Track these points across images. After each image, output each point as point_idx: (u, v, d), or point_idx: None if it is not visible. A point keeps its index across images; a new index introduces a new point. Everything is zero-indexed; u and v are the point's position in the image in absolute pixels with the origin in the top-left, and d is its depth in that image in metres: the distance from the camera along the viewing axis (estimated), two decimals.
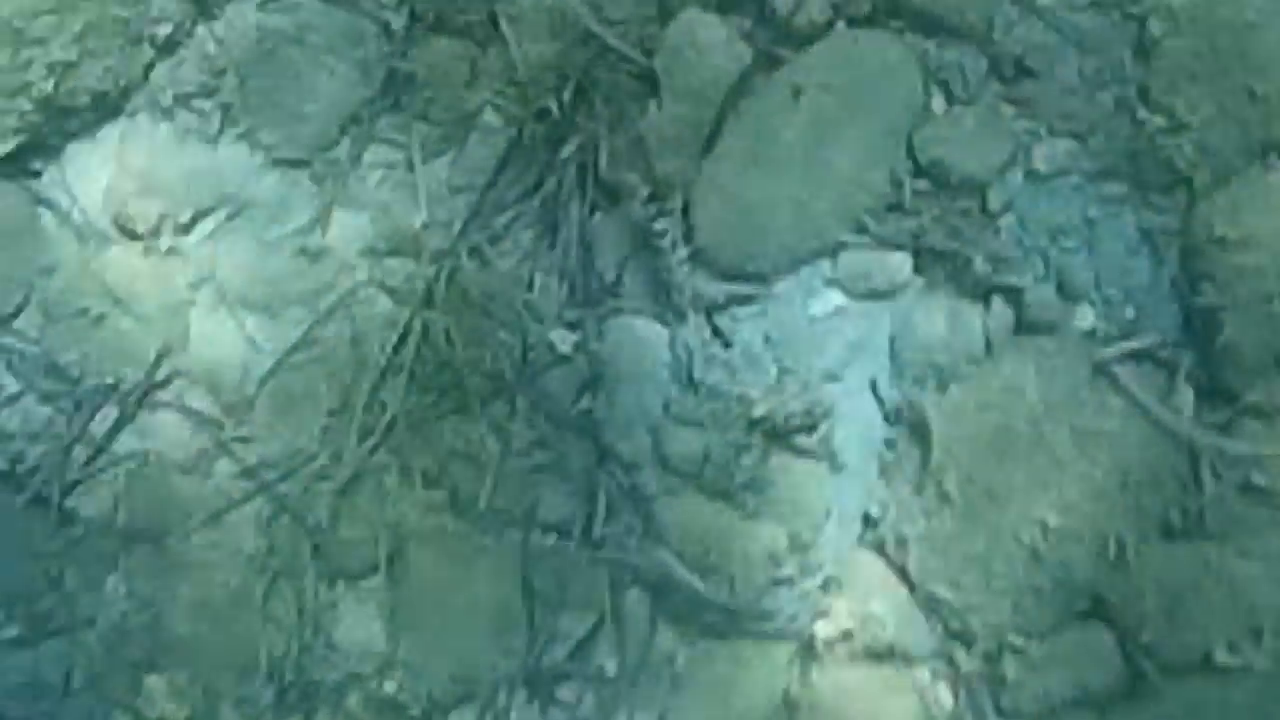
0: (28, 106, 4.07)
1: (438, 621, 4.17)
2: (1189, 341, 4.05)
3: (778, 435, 4.03)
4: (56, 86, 4.09)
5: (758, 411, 4.03)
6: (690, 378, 4.12)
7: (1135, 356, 4.05)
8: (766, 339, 4.13)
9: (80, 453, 4.27)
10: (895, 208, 4.08)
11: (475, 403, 4.18)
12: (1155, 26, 3.99)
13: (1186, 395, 4.02)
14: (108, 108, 4.20)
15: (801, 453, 4.08)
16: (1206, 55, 3.98)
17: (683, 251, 4.10)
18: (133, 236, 4.20)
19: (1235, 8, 3.97)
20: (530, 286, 4.17)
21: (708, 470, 4.11)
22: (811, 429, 4.05)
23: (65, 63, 4.07)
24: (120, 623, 4.26)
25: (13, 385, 4.25)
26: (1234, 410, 3.98)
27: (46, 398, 4.26)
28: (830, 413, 4.08)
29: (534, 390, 4.15)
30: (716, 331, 4.10)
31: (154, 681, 4.23)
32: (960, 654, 4.00)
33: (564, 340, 4.04)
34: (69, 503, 4.28)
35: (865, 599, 4.05)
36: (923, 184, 4.09)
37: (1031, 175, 4.08)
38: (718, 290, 4.11)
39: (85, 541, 4.26)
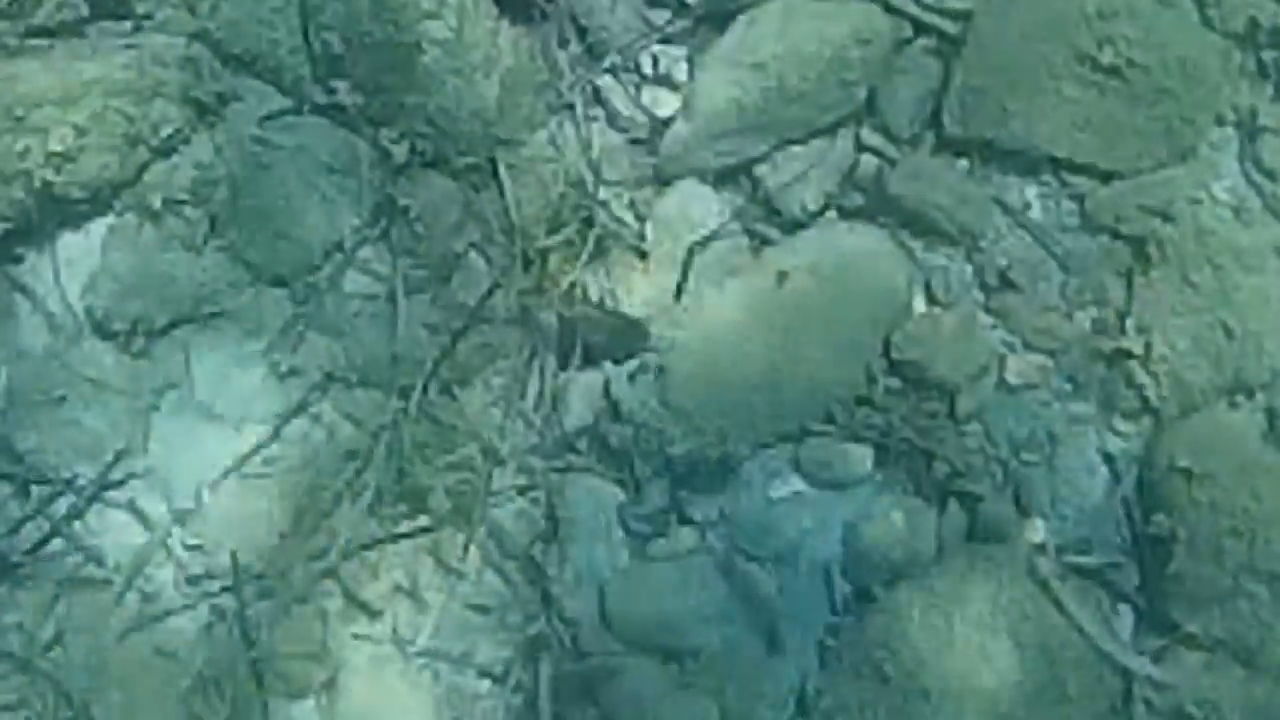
0: (20, 194, 4.07)
1: None
2: (1136, 566, 4.05)
3: None
4: (52, 177, 4.05)
5: None
6: (641, 547, 4.11)
7: (1081, 574, 4.07)
8: (722, 515, 4.11)
9: (27, 537, 4.17)
10: (865, 401, 4.13)
11: (427, 540, 4.13)
12: (1150, 252, 4.00)
13: (1127, 619, 4.05)
14: (98, 203, 4.21)
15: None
16: (1190, 289, 4.02)
17: (650, 416, 4.06)
18: (106, 334, 4.16)
19: (1226, 245, 3.97)
20: (498, 432, 4.12)
21: (651, 636, 4.08)
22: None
23: (63, 154, 4.06)
24: (44, 714, 4.19)
25: None
26: (1173, 639, 4.00)
27: (3, 478, 4.19)
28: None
29: (489, 534, 4.10)
30: (674, 504, 4.09)
31: None
32: None
33: None
34: (7, 585, 4.18)
35: None
36: (895, 381, 4.11)
37: (1002, 386, 4.11)
38: (680, 462, 4.07)
39: (19, 629, 4.18)
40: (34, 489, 4.24)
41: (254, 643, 4.18)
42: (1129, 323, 4.08)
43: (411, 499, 4.15)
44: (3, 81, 4.09)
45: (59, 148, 4.06)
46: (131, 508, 4.27)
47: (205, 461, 4.23)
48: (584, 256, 4.16)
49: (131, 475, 4.25)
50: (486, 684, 4.23)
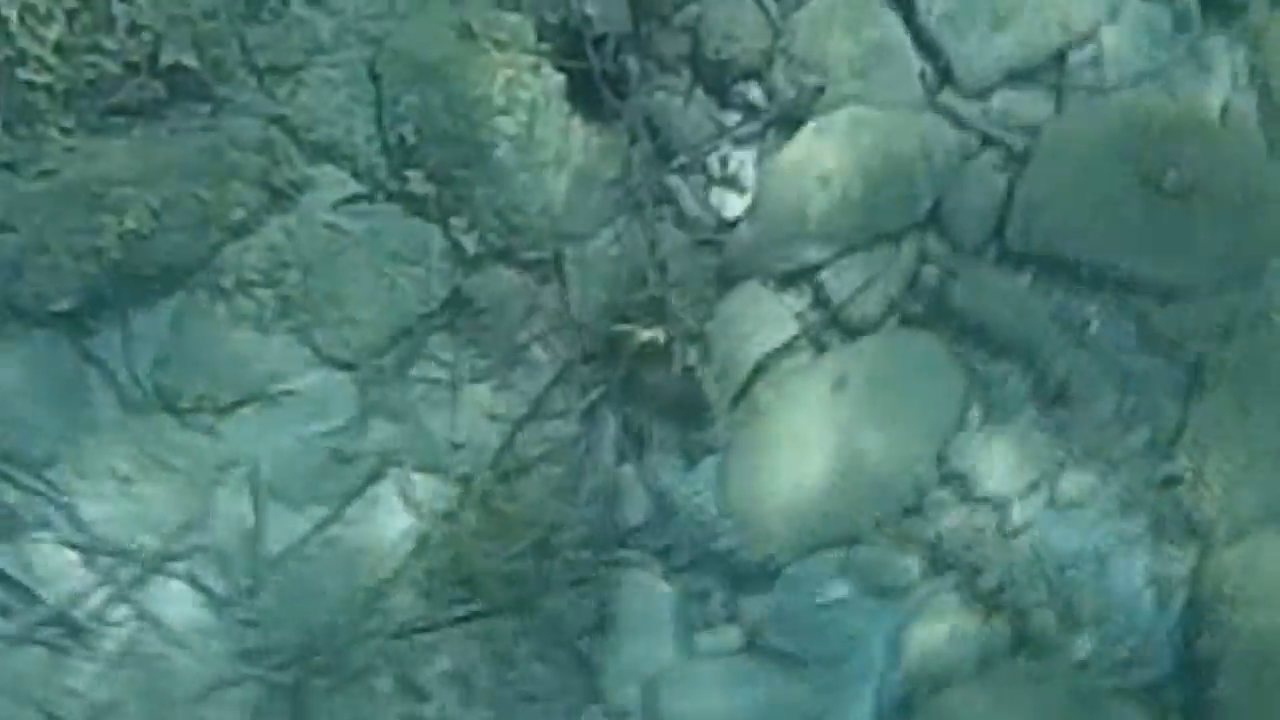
0: (94, 269, 4.14)
1: None
2: (1178, 689, 4.08)
3: None
4: (125, 255, 4.12)
5: None
6: (689, 644, 4.16)
7: (1122, 694, 4.09)
8: (772, 619, 4.16)
9: (91, 605, 4.25)
10: (914, 511, 4.15)
11: (479, 626, 4.19)
12: (1206, 376, 4.02)
13: None
14: (171, 281, 4.25)
15: None
16: (1244, 413, 4.04)
17: (704, 518, 4.12)
18: (173, 410, 4.23)
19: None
20: (554, 523, 4.18)
21: None
22: None
23: (138, 234, 4.12)
24: None
25: (39, 531, 4.25)
26: None
27: (69, 545, 4.28)
28: None
29: (540, 624, 4.17)
30: (725, 606, 4.14)
31: None
32: None
33: None
34: (68, 651, 4.27)
35: None
36: (946, 493, 4.13)
37: (1053, 502, 4.12)
38: (731, 563, 4.13)
39: (75, 695, 4.27)
40: (98, 558, 4.22)
41: (306, 718, 4.18)
42: (1183, 443, 4.03)
43: (466, 585, 4.17)
44: (83, 159, 4.11)
45: (133, 226, 4.10)
46: (192, 580, 4.26)
47: (266, 538, 4.25)
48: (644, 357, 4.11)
49: (194, 549, 4.27)
50: None
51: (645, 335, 4.03)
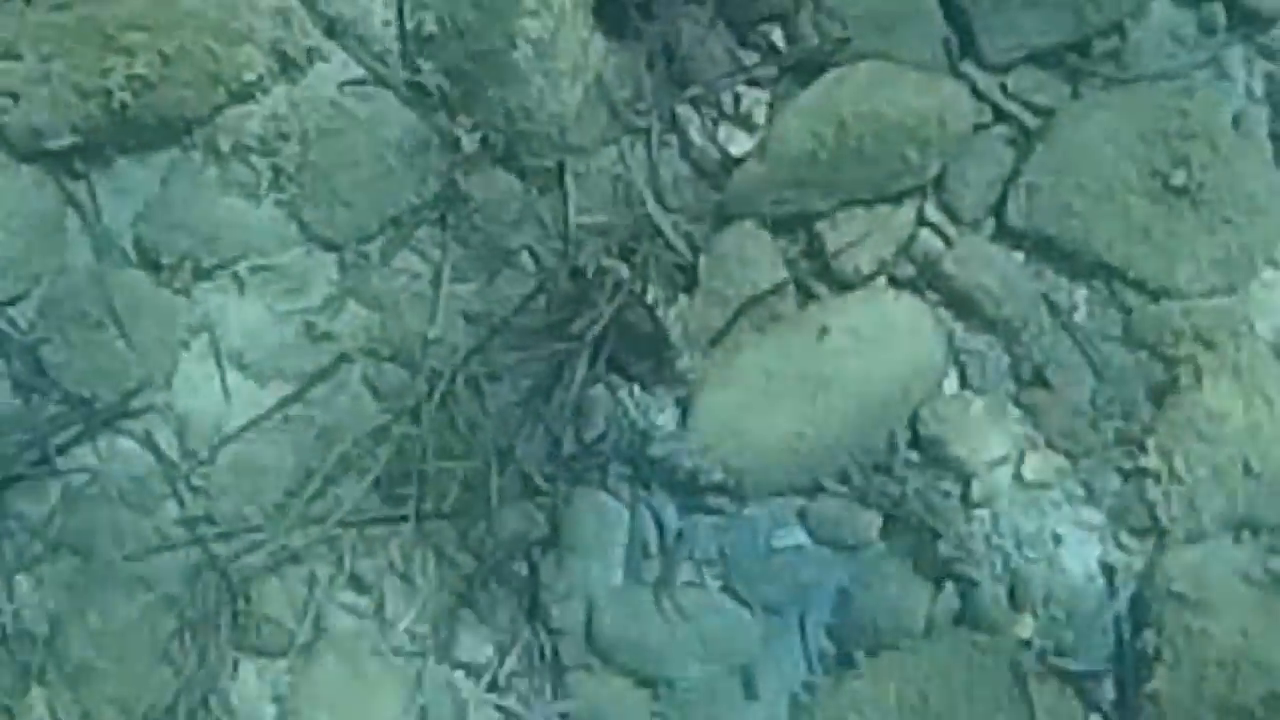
0: (96, 111, 4.12)
1: None
2: (1115, 680, 4.10)
3: None
4: (129, 99, 4.07)
5: None
6: (637, 570, 4.15)
7: (1060, 677, 4.11)
8: (722, 553, 4.15)
9: (34, 451, 4.19)
10: (882, 469, 4.15)
11: (426, 526, 4.16)
12: (1184, 376, 4.05)
13: None
14: (169, 135, 4.21)
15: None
16: (1218, 419, 4.19)
17: (668, 447, 4.10)
18: (151, 266, 4.18)
19: (1261, 383, 4.08)
20: (515, 432, 4.15)
21: (631, 659, 4.12)
22: None
23: (145, 80, 4.08)
24: (19, 624, 4.22)
25: None
26: None
27: (20, 386, 4.22)
28: None
29: (490, 531, 4.14)
30: (679, 535, 4.13)
31: (37, 693, 4.20)
32: None
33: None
34: (7, 494, 4.20)
35: None
36: (914, 455, 4.14)
37: (1018, 480, 4.15)
38: (690, 495, 4.12)
39: (11, 536, 4.21)
40: (54, 401, 4.16)
41: (240, 594, 4.13)
42: (1152, 441, 4.07)
43: (419, 483, 4.13)
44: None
45: (143, 72, 4.06)
46: (144, 439, 4.21)
47: (223, 408, 4.22)
48: (628, 280, 4.08)
49: (150, 407, 4.23)
50: (460, 675, 4.20)
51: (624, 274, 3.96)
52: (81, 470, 4.31)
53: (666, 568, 4.20)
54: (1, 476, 4.27)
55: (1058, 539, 4.14)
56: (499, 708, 4.23)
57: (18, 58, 4.11)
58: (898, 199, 4.22)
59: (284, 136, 4.23)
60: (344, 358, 4.26)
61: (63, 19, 4.13)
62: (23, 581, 4.32)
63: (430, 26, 4.15)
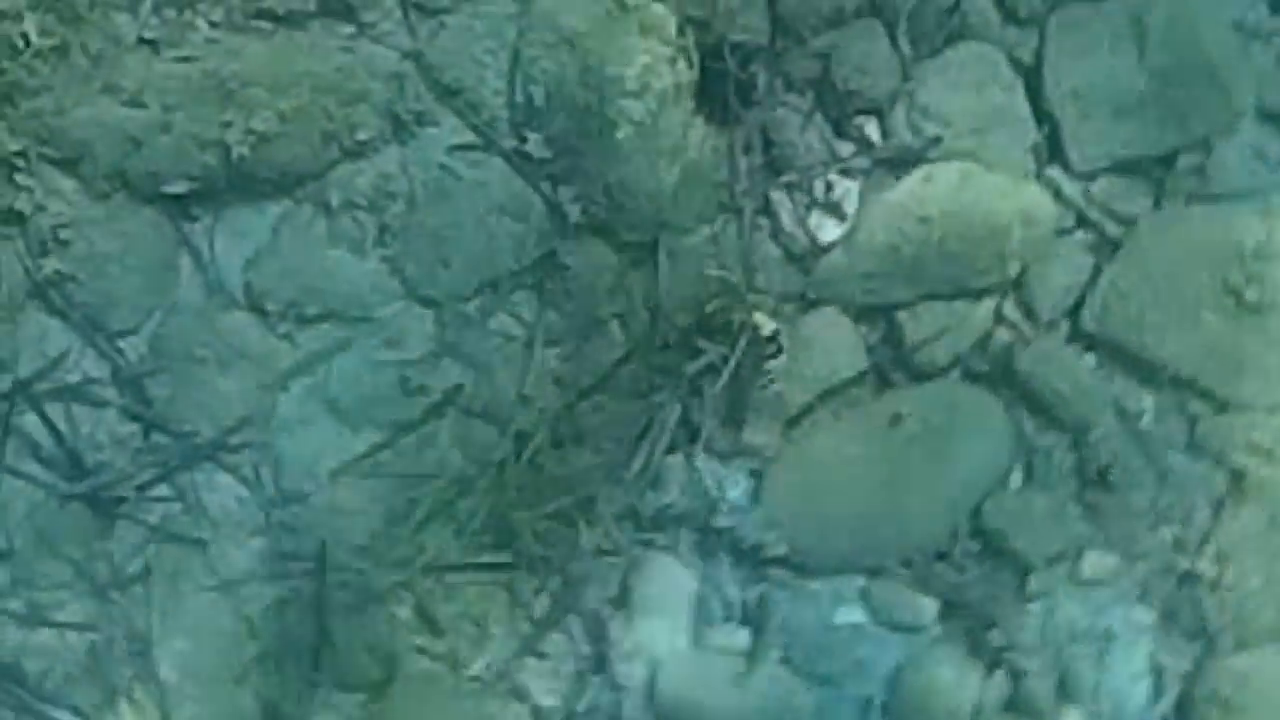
0: (213, 161, 4.27)
1: None
2: None
3: None
4: (246, 153, 4.24)
5: None
6: (699, 637, 4.32)
7: None
8: (783, 626, 4.32)
9: (139, 479, 4.41)
10: (944, 557, 4.29)
11: (505, 576, 4.34)
12: (1246, 488, 4.18)
13: None
14: (281, 188, 4.39)
15: None
16: (1274, 531, 4.20)
17: (740, 519, 4.27)
18: (257, 310, 4.37)
19: None
20: (596, 493, 4.32)
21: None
22: None
23: (262, 135, 4.25)
24: (107, 641, 4.43)
25: (107, 395, 4.39)
26: None
27: (127, 416, 4.42)
28: None
29: (564, 585, 4.32)
30: (741, 607, 4.30)
31: (125, 708, 4.41)
32: None
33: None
34: (109, 519, 4.42)
35: None
36: (975, 545, 4.28)
37: (1074, 577, 4.27)
38: (756, 567, 4.29)
39: (110, 558, 4.42)
40: (155, 435, 4.36)
41: (323, 628, 4.33)
42: (1208, 548, 4.18)
43: (500, 534, 4.31)
44: (223, 53, 4.24)
45: (260, 127, 4.23)
46: (240, 474, 4.40)
47: (320, 451, 4.39)
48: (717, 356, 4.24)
49: (248, 445, 4.40)
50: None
51: (756, 318, 4.12)
52: (180, 499, 4.41)
53: (758, 642, 4.29)
54: (106, 500, 4.40)
55: (1108, 637, 4.26)
56: None
57: (143, 105, 4.23)
58: (977, 295, 4.31)
59: (392, 195, 4.39)
60: (436, 411, 4.36)
61: (186, 70, 4.26)
62: (119, 600, 4.44)
63: (539, 99, 4.25)
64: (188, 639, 4.45)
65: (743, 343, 4.34)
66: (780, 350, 4.34)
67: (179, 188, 4.34)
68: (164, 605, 4.47)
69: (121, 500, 4.46)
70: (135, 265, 4.40)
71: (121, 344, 4.48)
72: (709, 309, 4.36)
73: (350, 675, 4.45)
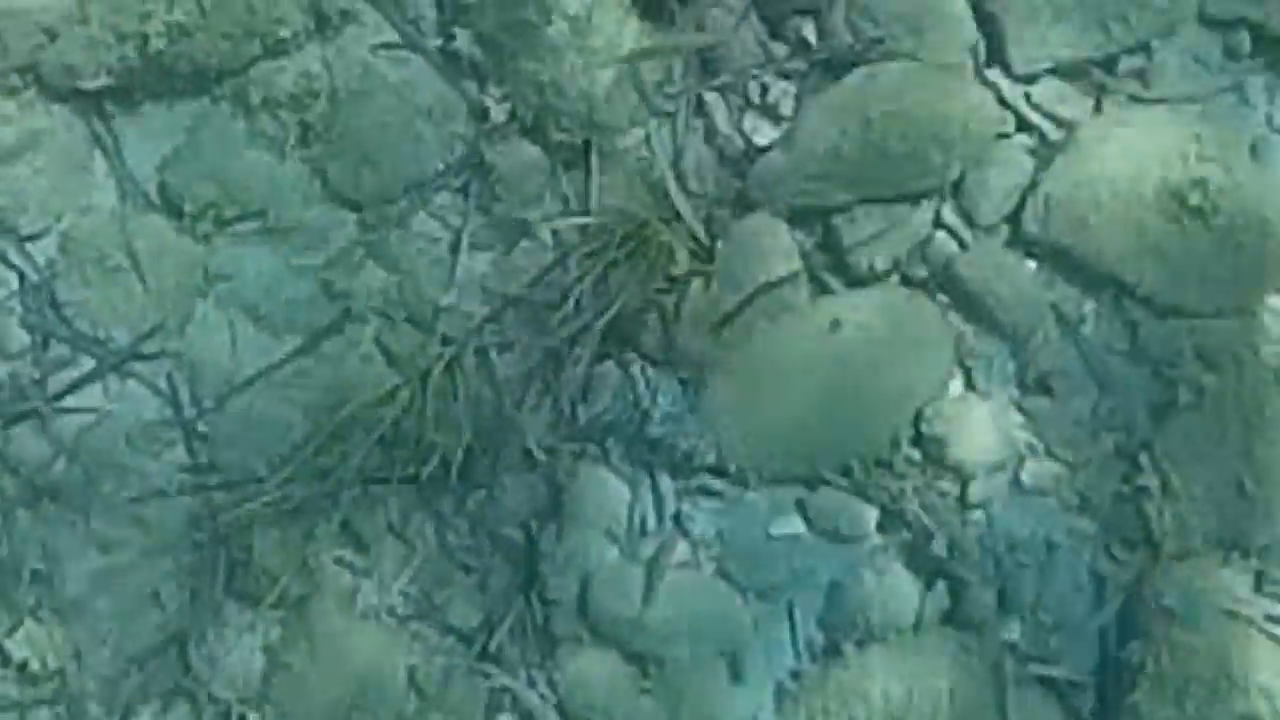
0: (132, 54, 4.14)
1: (315, 681, 4.23)
2: (1097, 689, 4.15)
3: None
4: (165, 47, 4.11)
5: None
6: (634, 547, 4.19)
7: (1042, 683, 4.16)
8: (719, 536, 4.20)
9: (49, 388, 4.25)
10: (883, 464, 4.19)
11: (429, 487, 4.20)
12: (1186, 395, 4.10)
13: None
14: (200, 85, 4.25)
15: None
16: (1215, 440, 4.11)
17: (674, 427, 4.15)
18: (175, 213, 4.22)
19: (1260, 406, 4.08)
20: (521, 403, 4.19)
21: (622, 634, 4.17)
22: None
23: (182, 27, 4.11)
24: (14, 559, 4.25)
25: (10, 302, 4.22)
26: None
27: (31, 326, 4.25)
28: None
29: (490, 498, 4.18)
30: (677, 518, 4.17)
31: (31, 628, 4.24)
32: None
33: None
34: (13, 430, 4.24)
35: None
36: (916, 453, 4.17)
37: (1015, 485, 4.19)
38: (692, 477, 4.16)
39: (15, 472, 4.25)
40: (65, 341, 4.20)
41: (238, 543, 4.17)
42: (1149, 456, 4.10)
43: (424, 446, 4.16)
44: None
45: (180, 19, 4.09)
46: (153, 384, 4.24)
47: (236, 358, 4.25)
48: (646, 259, 4.12)
49: (163, 353, 4.24)
50: (451, 640, 4.23)
51: (664, 237, 4.00)
52: (90, 410, 4.24)
53: (661, 547, 4.17)
54: (9, 413, 4.22)
55: (1050, 546, 4.16)
56: (487, 675, 4.22)
57: None
58: (916, 199, 4.21)
59: (314, 94, 4.26)
60: (355, 314, 4.22)
61: None
62: (23, 517, 4.27)
63: None
64: (101, 552, 4.27)
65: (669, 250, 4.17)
66: (711, 258, 4.16)
67: (95, 83, 4.13)
68: (73, 520, 4.25)
69: (26, 414, 4.22)
70: (45, 165, 4.24)
71: (30, 248, 4.20)
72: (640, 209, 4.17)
73: (263, 591, 4.26)
